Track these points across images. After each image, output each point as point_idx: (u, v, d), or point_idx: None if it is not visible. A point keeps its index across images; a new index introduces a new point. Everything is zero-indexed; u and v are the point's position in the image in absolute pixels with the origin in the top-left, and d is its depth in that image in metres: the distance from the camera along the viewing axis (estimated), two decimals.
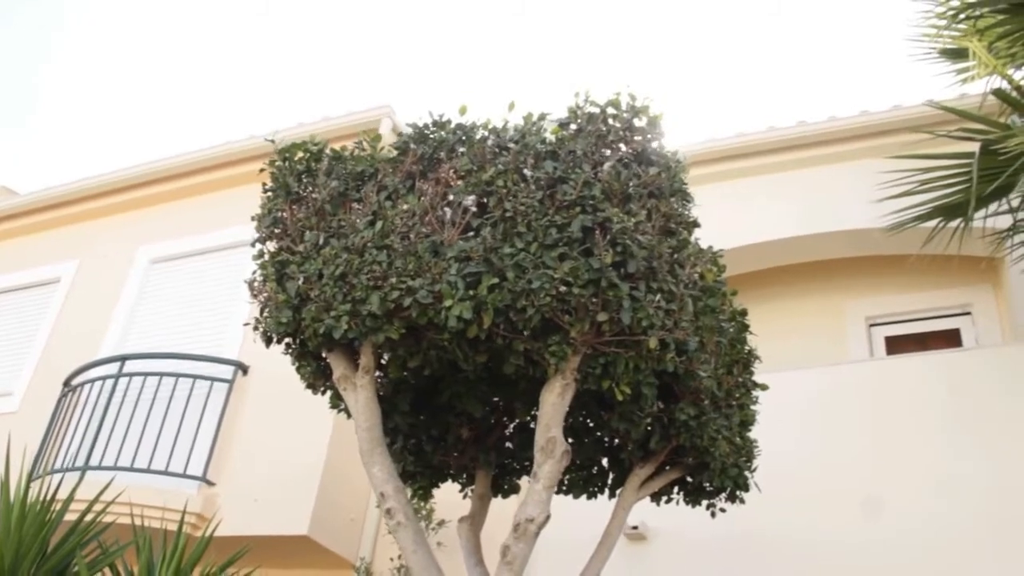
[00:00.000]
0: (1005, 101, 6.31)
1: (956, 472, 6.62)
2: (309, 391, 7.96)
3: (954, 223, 7.01)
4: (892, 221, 7.25)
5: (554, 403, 4.51)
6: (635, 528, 7.17)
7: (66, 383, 8.82)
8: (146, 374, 8.23)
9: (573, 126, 4.73)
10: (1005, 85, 6.63)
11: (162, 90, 22.95)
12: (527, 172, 4.52)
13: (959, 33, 6.90)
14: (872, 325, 8.89)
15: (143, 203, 10.27)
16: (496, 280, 4.27)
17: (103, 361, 8.61)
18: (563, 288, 4.18)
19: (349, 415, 5.40)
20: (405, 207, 4.60)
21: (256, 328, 4.96)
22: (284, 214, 5.02)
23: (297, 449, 7.90)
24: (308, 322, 4.61)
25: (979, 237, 7.32)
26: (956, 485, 6.54)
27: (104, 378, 8.38)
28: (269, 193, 5.15)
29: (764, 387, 5.63)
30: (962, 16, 6.55)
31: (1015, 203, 6.86)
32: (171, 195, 10.10)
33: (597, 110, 4.71)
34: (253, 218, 5.13)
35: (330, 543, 7.72)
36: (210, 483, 7.91)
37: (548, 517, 4.49)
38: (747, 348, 5.59)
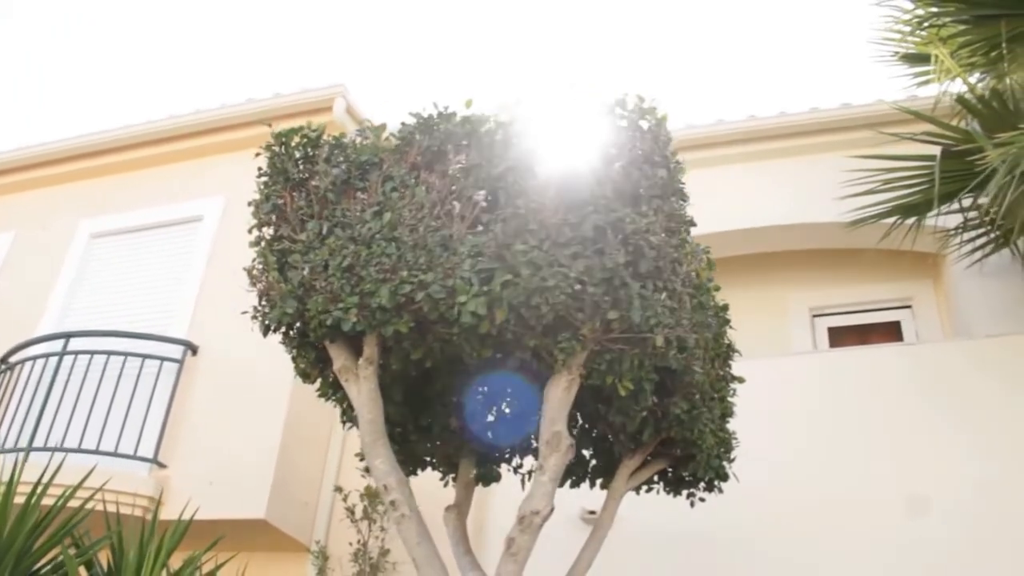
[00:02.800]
0: (967, 108, 6.58)
1: (912, 466, 6.89)
2: (263, 374, 7.96)
3: (909, 221, 7.31)
4: (849, 217, 7.50)
5: (560, 398, 4.58)
6: (592, 513, 7.29)
7: (3, 360, 8.50)
8: (92, 352, 7.99)
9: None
10: (963, 90, 6.89)
11: (106, 60, 21.96)
12: (537, 169, 4.55)
13: (919, 39, 7.15)
14: (815, 316, 9.17)
15: (83, 175, 9.88)
16: (509, 276, 4.30)
17: (46, 338, 8.32)
18: (578, 286, 4.24)
19: (341, 405, 5.39)
20: (414, 199, 4.58)
21: (254, 317, 4.87)
22: (282, 201, 4.94)
23: (250, 431, 7.78)
24: (314, 313, 4.56)
25: (929, 234, 7.63)
26: (911, 479, 6.82)
27: (47, 356, 8.11)
28: (265, 179, 5.06)
29: (741, 380, 5.79)
30: (926, 24, 6.79)
31: (965, 203, 7.18)
32: (114, 168, 9.74)
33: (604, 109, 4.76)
34: (250, 203, 5.04)
35: (286, 527, 7.66)
36: (161, 465, 7.75)
37: (552, 509, 4.56)
38: (726, 342, 5.75)
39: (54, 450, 7.28)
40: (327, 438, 8.36)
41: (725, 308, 5.74)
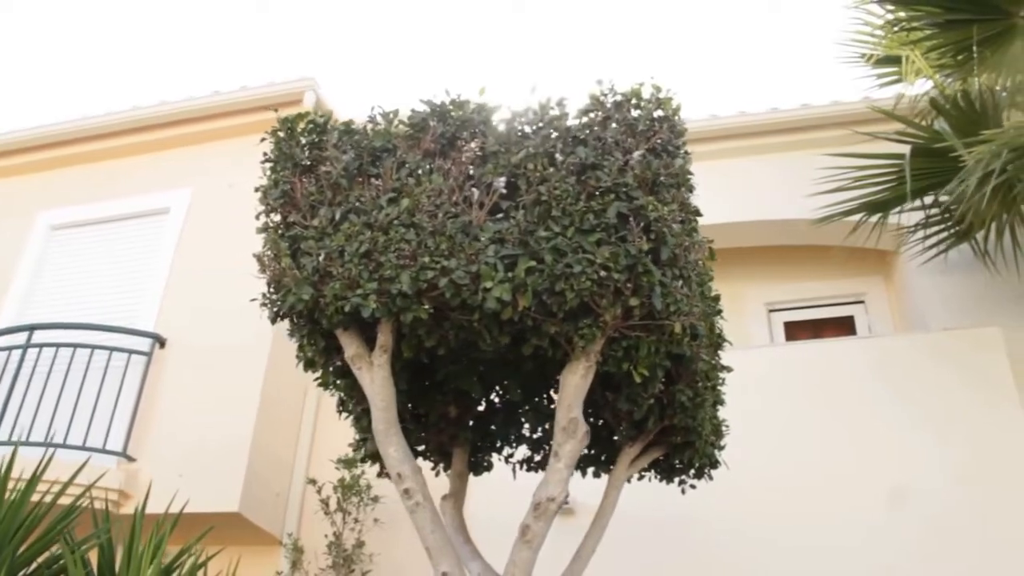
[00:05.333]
0: (937, 109, 6.84)
1: (869, 457, 7.10)
2: (233, 367, 7.87)
3: (873, 218, 7.57)
4: (814, 214, 7.74)
5: (577, 384, 4.62)
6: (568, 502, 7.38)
7: None
8: (58, 345, 7.81)
9: (593, 114, 4.84)
10: (932, 92, 7.17)
11: (69, 49, 21.22)
12: (558, 157, 4.61)
13: (889, 42, 7.40)
14: (772, 311, 9.42)
15: (42, 166, 9.64)
16: (533, 263, 4.35)
17: (8, 330, 8.10)
18: (603, 273, 4.31)
19: (342, 394, 5.37)
20: (432, 185, 4.60)
21: (263, 305, 4.83)
22: (290, 187, 4.91)
23: (221, 424, 7.70)
24: (330, 299, 4.54)
25: (889, 231, 7.90)
26: (869, 469, 7.03)
27: (10, 348, 7.89)
28: (270, 164, 5.02)
29: (729, 369, 5.92)
30: (896, 28, 7.04)
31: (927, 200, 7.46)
32: (76, 159, 9.51)
33: (620, 98, 4.84)
34: (257, 189, 4.99)
35: (259, 520, 7.59)
36: (130, 458, 7.61)
37: (567, 496, 4.62)
38: (718, 331, 5.87)
39: (39, 445, 7.10)
40: (297, 430, 8.31)
41: (717, 299, 5.87)
